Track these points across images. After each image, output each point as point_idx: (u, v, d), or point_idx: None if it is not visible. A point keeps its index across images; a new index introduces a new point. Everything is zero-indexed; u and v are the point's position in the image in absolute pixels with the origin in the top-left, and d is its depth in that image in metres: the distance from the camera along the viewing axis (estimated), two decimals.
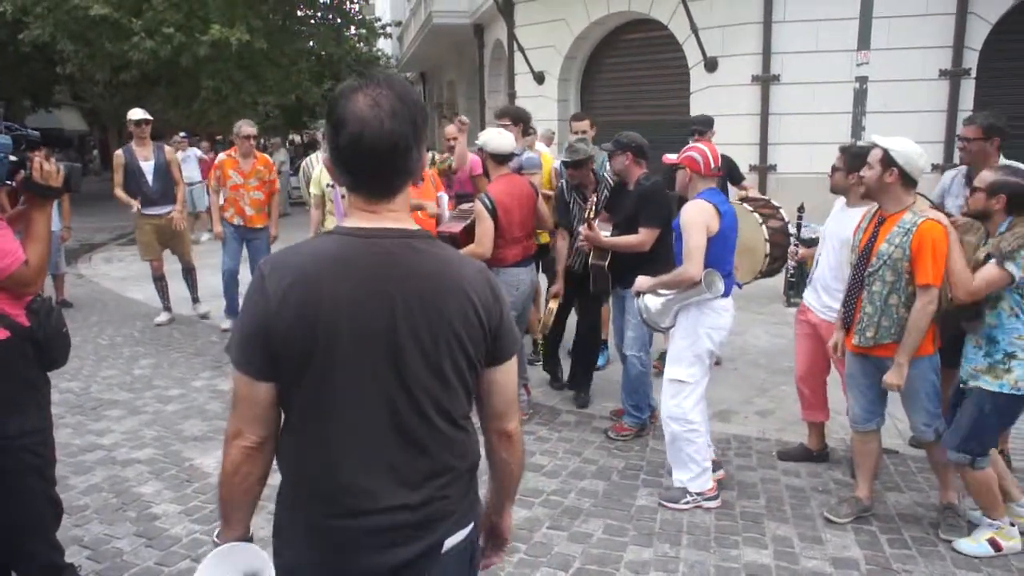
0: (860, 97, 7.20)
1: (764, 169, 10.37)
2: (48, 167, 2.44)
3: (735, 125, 10.29)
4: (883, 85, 8.61)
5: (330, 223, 5.68)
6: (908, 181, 3.29)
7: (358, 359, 1.43)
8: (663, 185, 4.29)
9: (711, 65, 10.61)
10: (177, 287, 7.63)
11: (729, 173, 5.83)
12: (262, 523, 1.81)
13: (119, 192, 7.07)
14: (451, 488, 1.53)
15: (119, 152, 7.13)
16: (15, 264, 2.36)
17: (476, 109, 16.70)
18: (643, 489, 4.00)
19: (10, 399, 2.43)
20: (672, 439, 3.81)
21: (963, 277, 3.20)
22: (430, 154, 5.83)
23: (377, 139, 1.40)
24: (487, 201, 4.50)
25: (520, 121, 5.59)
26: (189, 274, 7.57)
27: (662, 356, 4.46)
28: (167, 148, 7.46)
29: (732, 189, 5.90)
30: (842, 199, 3.96)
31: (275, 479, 1.57)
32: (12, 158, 2.39)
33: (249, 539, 1.60)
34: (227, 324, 7.08)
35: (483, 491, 1.80)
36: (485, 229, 4.48)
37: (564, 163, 4.92)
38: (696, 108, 10.74)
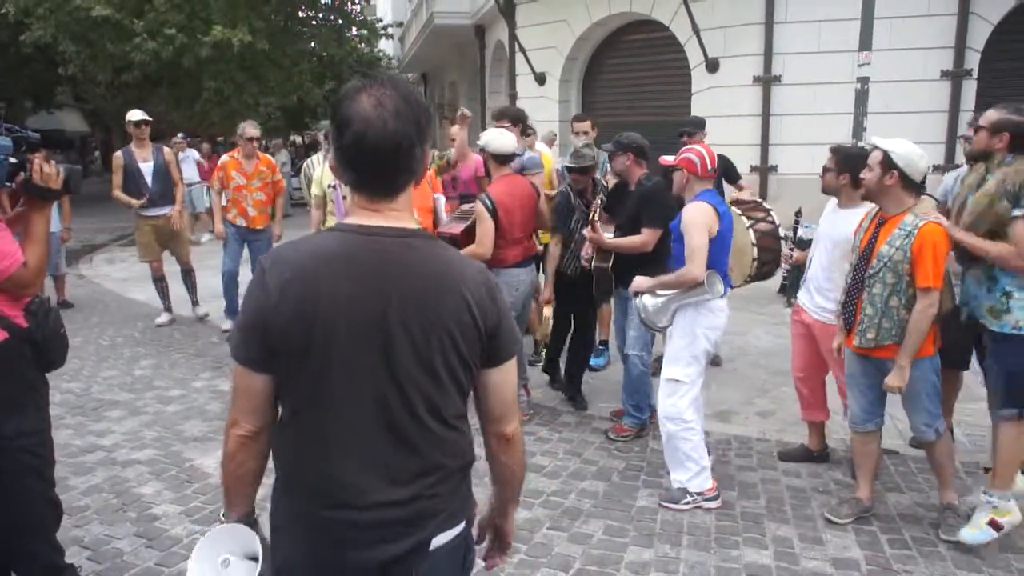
0: (861, 98, 7.20)
1: (765, 170, 10.37)
2: (48, 169, 2.44)
3: (736, 126, 10.30)
4: (884, 86, 8.60)
5: (331, 223, 5.68)
6: (909, 183, 3.28)
7: (353, 355, 1.45)
8: (664, 185, 4.29)
9: (712, 66, 10.62)
10: (178, 288, 7.63)
11: (725, 172, 5.82)
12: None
13: (118, 193, 7.07)
14: (441, 487, 1.54)
15: (118, 154, 7.14)
16: (13, 266, 2.36)
17: (477, 110, 16.70)
18: (643, 490, 3.99)
19: (8, 400, 2.43)
20: (668, 438, 3.82)
21: (1006, 250, 3.19)
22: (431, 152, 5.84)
23: (380, 138, 1.42)
24: (488, 202, 4.50)
25: (519, 122, 5.59)
26: (188, 276, 7.56)
27: (659, 359, 4.45)
28: (166, 149, 7.46)
29: (728, 188, 5.89)
30: (834, 200, 3.97)
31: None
32: (12, 160, 2.39)
33: (252, 519, 1.66)
34: (227, 325, 7.08)
35: (486, 492, 1.80)
36: (486, 230, 4.48)
37: (569, 168, 4.87)
38: (697, 109, 10.74)
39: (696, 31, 10.37)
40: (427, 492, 1.51)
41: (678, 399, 3.76)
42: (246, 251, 7.07)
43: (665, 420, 3.80)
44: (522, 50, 12.98)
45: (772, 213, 4.73)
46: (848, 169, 3.75)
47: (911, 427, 3.62)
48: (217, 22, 14.51)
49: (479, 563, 1.81)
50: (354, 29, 19.89)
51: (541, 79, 12.98)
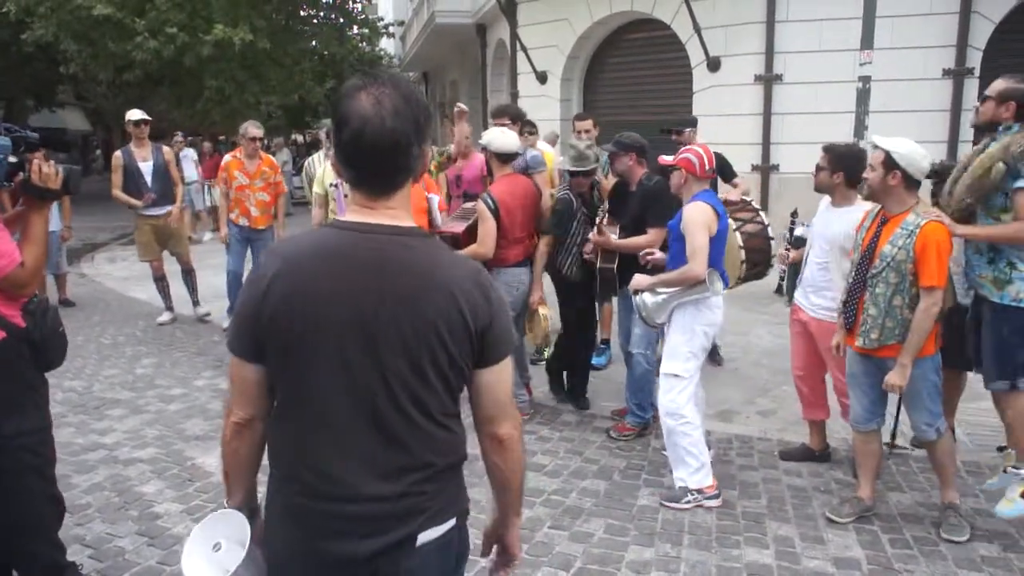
0: (863, 97, 7.18)
1: (767, 169, 10.35)
2: (47, 169, 2.44)
3: (737, 125, 10.29)
4: (886, 85, 8.58)
5: None
6: (911, 183, 3.28)
7: (339, 350, 1.46)
8: (666, 184, 4.28)
9: (714, 65, 10.60)
10: (178, 287, 7.63)
11: (721, 171, 5.80)
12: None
13: (117, 192, 7.08)
14: (428, 484, 1.54)
15: (118, 153, 7.16)
16: (10, 266, 2.36)
17: (479, 109, 16.68)
18: (644, 489, 3.99)
19: (7, 400, 2.43)
20: (668, 434, 3.86)
21: (1014, 228, 3.22)
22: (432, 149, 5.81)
23: (379, 136, 1.43)
24: (490, 201, 4.49)
25: (518, 119, 5.58)
26: (188, 276, 7.56)
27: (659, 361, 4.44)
28: (166, 149, 7.47)
29: (723, 187, 5.85)
30: (827, 198, 3.97)
31: None
32: (12, 159, 2.39)
33: (253, 507, 1.72)
34: (228, 323, 7.08)
35: (488, 491, 1.79)
36: (488, 229, 4.47)
37: (572, 172, 4.72)
38: (699, 108, 10.73)
39: (697, 30, 10.36)
40: (415, 488, 1.52)
41: (676, 394, 3.79)
42: (250, 251, 7.07)
43: (665, 415, 3.84)
44: (523, 49, 12.97)
45: (761, 213, 4.66)
46: (842, 168, 3.76)
47: (912, 426, 3.62)
48: (218, 21, 14.51)
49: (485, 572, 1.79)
50: (355, 28, 19.89)
51: (542, 78, 12.97)
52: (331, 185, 5.65)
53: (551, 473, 4.18)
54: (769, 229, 4.56)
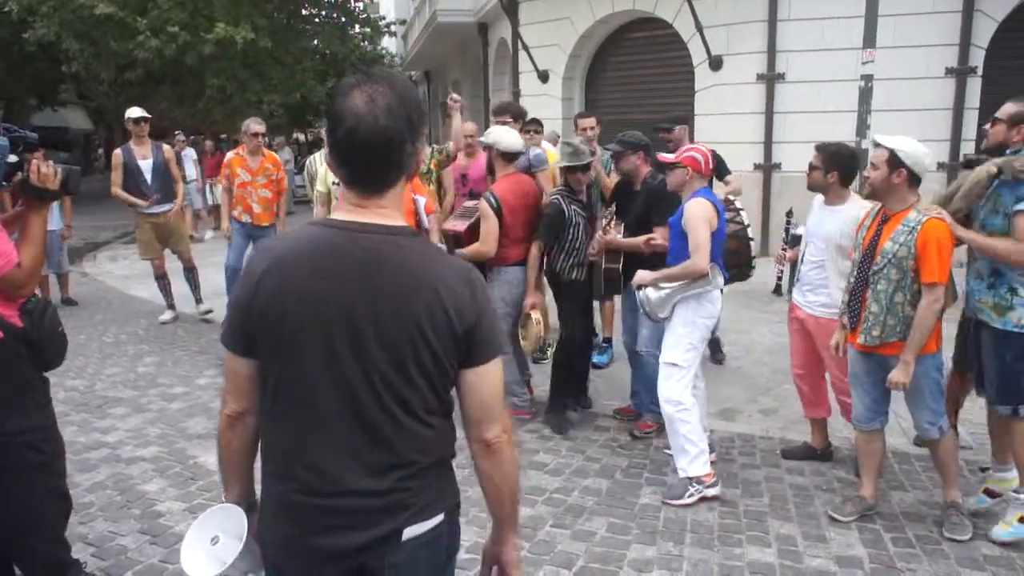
0: (865, 95, 7.16)
1: (769, 167, 10.35)
2: (45, 169, 2.43)
3: (740, 123, 10.29)
4: (889, 83, 8.57)
5: None
6: (914, 180, 3.29)
7: (323, 347, 1.47)
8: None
9: (716, 63, 10.59)
10: (180, 285, 7.64)
11: (716, 169, 5.77)
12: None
13: (117, 191, 7.08)
14: (413, 481, 1.54)
15: (117, 151, 7.16)
16: (8, 266, 2.35)
17: (480, 108, 16.68)
18: (646, 487, 3.99)
19: (7, 400, 2.43)
20: (669, 421, 3.89)
21: (1009, 247, 3.20)
22: (429, 148, 5.80)
23: (371, 134, 1.44)
24: (492, 200, 4.48)
25: (520, 117, 5.57)
26: (191, 274, 7.56)
27: None
28: (166, 147, 7.48)
29: (717, 184, 5.82)
30: (820, 197, 3.98)
31: None
32: (12, 158, 2.38)
33: (251, 501, 1.72)
34: None
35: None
36: (490, 228, 4.47)
37: (571, 167, 4.56)
38: (701, 107, 10.73)
39: (699, 28, 10.35)
40: (400, 485, 1.52)
41: (675, 382, 3.86)
42: (250, 248, 7.07)
43: (665, 403, 3.89)
44: (525, 48, 12.96)
45: (742, 213, 4.52)
46: (836, 167, 3.79)
47: (915, 425, 3.62)
48: (220, 20, 14.51)
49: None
50: (357, 27, 19.87)
51: (544, 76, 12.96)
52: (334, 183, 5.64)
53: (553, 471, 4.18)
54: (749, 230, 4.42)
